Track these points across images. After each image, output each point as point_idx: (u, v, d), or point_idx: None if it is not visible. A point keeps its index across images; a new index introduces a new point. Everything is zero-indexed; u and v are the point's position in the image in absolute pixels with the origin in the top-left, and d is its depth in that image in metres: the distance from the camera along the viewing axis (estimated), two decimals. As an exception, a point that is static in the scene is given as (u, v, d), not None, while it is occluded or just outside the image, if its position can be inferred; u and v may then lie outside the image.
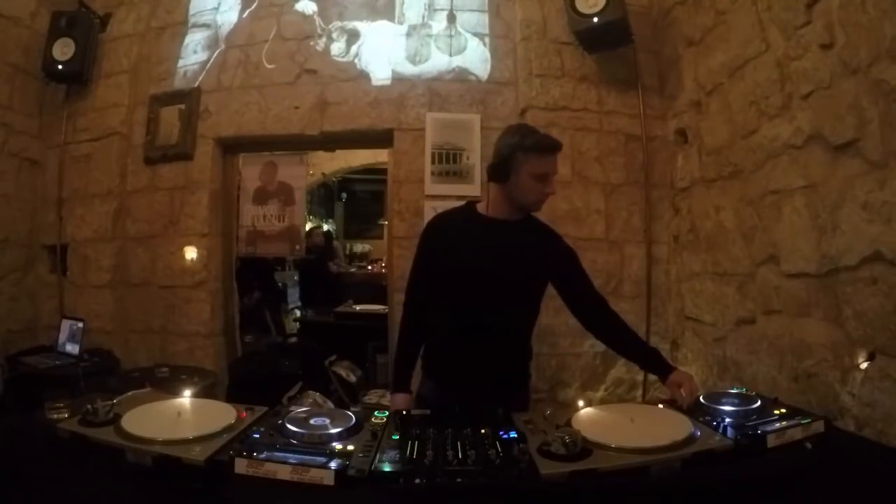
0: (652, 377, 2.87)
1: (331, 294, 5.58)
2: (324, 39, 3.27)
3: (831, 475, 1.12)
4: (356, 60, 3.22)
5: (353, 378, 3.74)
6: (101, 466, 1.12)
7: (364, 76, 3.20)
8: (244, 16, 3.37)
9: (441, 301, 1.69)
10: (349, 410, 1.41)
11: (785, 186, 1.93)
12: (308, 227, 7.08)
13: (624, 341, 1.73)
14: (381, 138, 3.22)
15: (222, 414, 1.31)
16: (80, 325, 3.01)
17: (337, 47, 3.25)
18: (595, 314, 1.74)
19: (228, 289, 3.39)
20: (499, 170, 1.62)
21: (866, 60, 1.52)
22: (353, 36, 3.26)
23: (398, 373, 1.73)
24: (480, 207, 1.72)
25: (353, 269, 7.65)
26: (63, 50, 3.20)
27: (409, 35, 3.22)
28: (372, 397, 3.89)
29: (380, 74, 3.19)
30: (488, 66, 3.15)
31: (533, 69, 2.98)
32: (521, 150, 1.59)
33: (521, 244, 1.66)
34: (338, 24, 3.27)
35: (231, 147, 3.37)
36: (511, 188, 1.63)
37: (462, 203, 1.81)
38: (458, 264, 1.65)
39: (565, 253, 1.75)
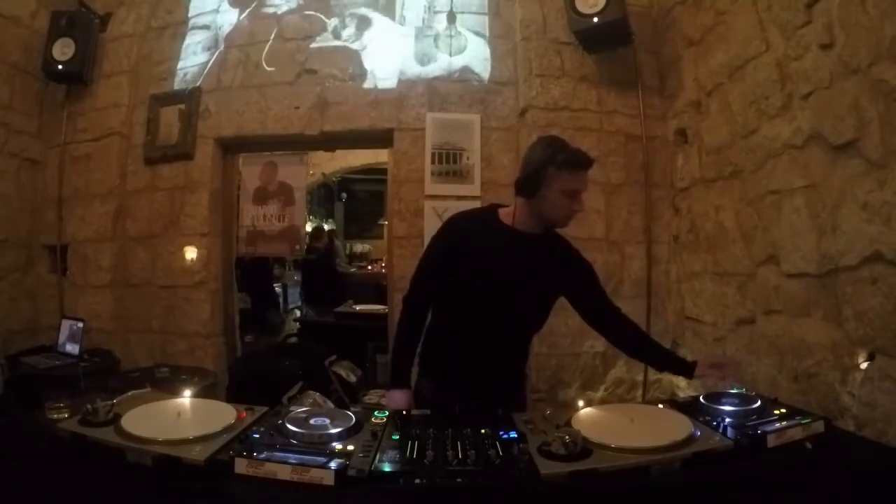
0: (652, 377, 2.87)
1: (338, 294, 5.56)
2: (323, 41, 3.27)
3: (831, 475, 1.12)
4: (358, 62, 3.22)
5: (353, 378, 3.74)
6: (101, 466, 1.12)
7: (364, 76, 3.20)
8: (244, 15, 3.37)
9: (450, 303, 1.66)
10: (349, 410, 1.41)
11: (785, 186, 1.93)
12: (311, 227, 7.10)
13: (641, 348, 1.74)
14: (381, 138, 3.22)
15: (222, 414, 1.31)
16: (80, 325, 3.01)
17: (339, 46, 3.25)
18: (611, 326, 1.74)
19: (228, 289, 3.39)
20: (528, 184, 1.56)
21: (866, 60, 1.52)
22: (357, 30, 3.26)
23: (397, 368, 1.68)
24: (503, 215, 1.66)
25: (353, 269, 7.65)
26: (63, 50, 3.20)
27: (409, 36, 3.22)
28: (372, 397, 3.89)
29: (380, 75, 3.19)
30: (488, 67, 3.15)
31: (533, 69, 2.98)
32: (554, 166, 1.52)
33: (543, 259, 1.63)
34: (338, 22, 3.28)
35: (231, 147, 3.38)
36: (539, 203, 1.56)
37: (485, 205, 1.79)
38: (475, 272, 1.59)
39: (584, 269, 1.73)
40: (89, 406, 1.24)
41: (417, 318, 1.72)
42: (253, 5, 3.36)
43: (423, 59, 3.19)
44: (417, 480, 1.05)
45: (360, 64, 3.23)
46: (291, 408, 1.52)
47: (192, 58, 3.36)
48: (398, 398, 1.62)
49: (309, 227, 6.81)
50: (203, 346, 3.19)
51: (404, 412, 1.42)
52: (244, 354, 3.54)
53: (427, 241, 1.78)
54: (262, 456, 1.09)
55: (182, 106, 3.26)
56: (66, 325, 3.09)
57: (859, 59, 1.55)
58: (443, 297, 1.67)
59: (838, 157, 1.65)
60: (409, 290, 1.74)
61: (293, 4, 3.33)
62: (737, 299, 2.30)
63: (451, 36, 3.18)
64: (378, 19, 3.28)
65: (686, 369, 1.62)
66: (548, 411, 1.38)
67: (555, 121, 2.94)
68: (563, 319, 2.70)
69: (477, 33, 3.19)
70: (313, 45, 3.26)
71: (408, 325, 1.72)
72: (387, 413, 1.40)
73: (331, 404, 3.09)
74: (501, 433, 1.25)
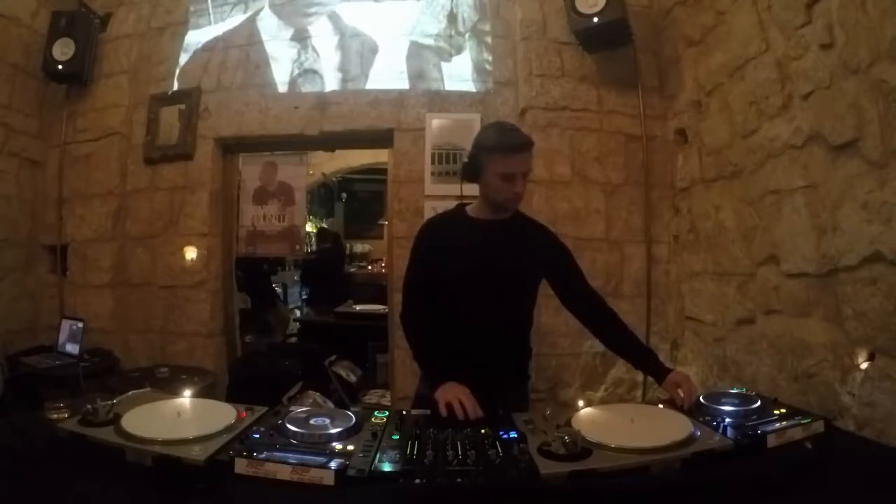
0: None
1: (343, 294, 5.56)
2: (323, 40, 3.28)
3: (831, 475, 1.12)
4: (357, 61, 3.22)
5: (353, 378, 3.75)
6: (101, 466, 1.12)
7: (364, 76, 3.20)
8: (244, 16, 3.37)
9: (437, 303, 1.69)
10: (349, 410, 1.41)
11: (785, 186, 1.93)
12: (315, 227, 7.12)
13: (619, 339, 1.72)
14: (381, 138, 3.22)
15: (222, 414, 1.31)
16: (80, 325, 3.01)
17: (337, 44, 3.25)
18: (590, 310, 1.74)
19: (228, 289, 3.39)
20: (468, 169, 1.66)
21: (866, 60, 1.52)
22: (356, 30, 3.26)
23: (432, 368, 1.65)
24: (470, 209, 1.74)
25: (353, 269, 7.65)
26: (63, 50, 3.20)
27: (408, 35, 3.22)
28: (372, 397, 3.90)
29: (380, 75, 3.19)
30: (488, 67, 3.15)
31: (533, 69, 2.98)
32: (485, 150, 1.61)
33: (510, 243, 1.67)
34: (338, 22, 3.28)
35: (231, 147, 3.37)
36: (484, 188, 1.65)
37: (454, 206, 1.82)
38: (452, 266, 1.66)
39: (557, 249, 1.75)
40: (89, 406, 1.24)
41: (421, 325, 1.74)
42: (253, 5, 3.37)
43: (422, 59, 3.19)
44: (417, 480, 1.05)
45: (360, 63, 3.22)
46: (291, 408, 1.52)
47: (192, 58, 3.36)
48: (453, 389, 1.49)
49: (310, 227, 6.82)
50: (203, 346, 3.18)
51: (404, 412, 1.42)
52: (244, 354, 3.55)
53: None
54: (262, 456, 1.09)
55: (182, 106, 3.26)
56: (66, 325, 3.08)
57: (859, 59, 1.54)
58: (432, 299, 1.69)
59: (838, 157, 1.65)
60: (404, 304, 1.77)
61: (294, 4, 3.33)
62: (737, 299, 2.30)
63: (450, 36, 3.18)
64: (377, 19, 3.28)
65: (657, 371, 1.59)
66: (548, 411, 1.38)
67: (555, 121, 2.94)
68: (564, 319, 2.71)
69: (476, 33, 3.19)
70: (313, 45, 3.26)
71: (417, 333, 1.74)
72: (387, 413, 1.40)
73: (331, 404, 3.10)
74: (501, 433, 1.25)
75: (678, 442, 1.16)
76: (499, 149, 1.58)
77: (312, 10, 3.31)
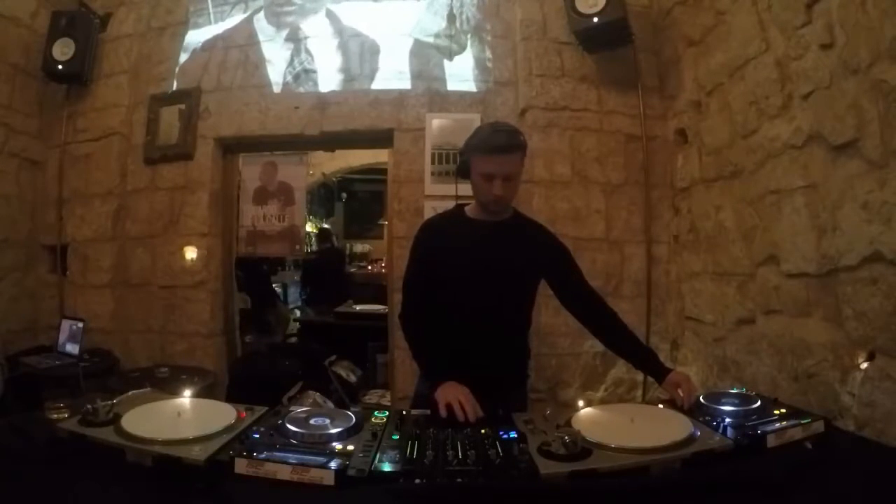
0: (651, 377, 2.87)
1: (344, 295, 5.57)
2: (324, 40, 3.28)
3: (831, 475, 1.12)
4: (357, 61, 3.22)
5: (353, 378, 3.75)
6: (101, 466, 1.12)
7: (364, 76, 3.21)
8: (244, 16, 3.37)
9: (437, 303, 1.69)
10: (349, 410, 1.41)
11: (785, 186, 1.93)
12: (316, 228, 7.13)
13: (619, 339, 1.72)
14: (381, 138, 3.22)
15: (222, 414, 1.31)
16: (80, 325, 3.01)
17: (337, 45, 3.26)
18: (589, 310, 1.74)
19: (228, 289, 3.39)
20: (460, 166, 1.68)
21: (866, 60, 1.52)
22: (356, 29, 3.26)
23: (432, 369, 1.64)
24: (468, 210, 1.75)
25: (353, 269, 7.65)
26: (63, 50, 3.20)
27: (408, 35, 3.22)
28: (372, 397, 3.90)
29: (379, 75, 3.19)
30: (488, 67, 3.15)
31: (533, 69, 2.98)
32: (472, 149, 1.63)
33: (509, 243, 1.67)
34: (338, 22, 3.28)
35: (231, 147, 3.37)
36: (472, 187, 1.67)
37: (453, 206, 1.82)
38: (449, 267, 1.66)
39: (556, 248, 1.75)
40: (89, 406, 1.24)
41: (420, 325, 1.74)
42: (253, 5, 3.37)
43: (422, 59, 3.19)
44: (417, 480, 1.05)
45: (360, 63, 3.22)
46: (291, 408, 1.52)
47: (192, 58, 3.36)
48: (452, 389, 1.48)
49: (310, 228, 6.83)
50: (203, 346, 3.18)
51: (404, 412, 1.42)
52: (244, 354, 3.55)
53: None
54: (262, 456, 1.09)
55: (182, 106, 3.26)
56: (66, 325, 3.08)
57: (859, 59, 1.54)
58: (431, 298, 1.69)
59: (838, 157, 1.65)
60: (403, 304, 1.77)
61: (293, 5, 3.33)
62: (737, 299, 2.30)
63: (450, 36, 3.18)
64: (377, 19, 3.28)
65: (657, 371, 1.59)
66: (548, 411, 1.38)
67: (555, 121, 2.94)
68: (564, 319, 2.70)
69: (476, 33, 3.19)
70: (313, 45, 3.27)
71: (416, 333, 1.74)
72: (387, 413, 1.40)
73: (331, 404, 3.10)
74: (501, 433, 1.25)
75: (678, 442, 1.16)
76: (481, 148, 1.59)
77: (306, 10, 3.31)
